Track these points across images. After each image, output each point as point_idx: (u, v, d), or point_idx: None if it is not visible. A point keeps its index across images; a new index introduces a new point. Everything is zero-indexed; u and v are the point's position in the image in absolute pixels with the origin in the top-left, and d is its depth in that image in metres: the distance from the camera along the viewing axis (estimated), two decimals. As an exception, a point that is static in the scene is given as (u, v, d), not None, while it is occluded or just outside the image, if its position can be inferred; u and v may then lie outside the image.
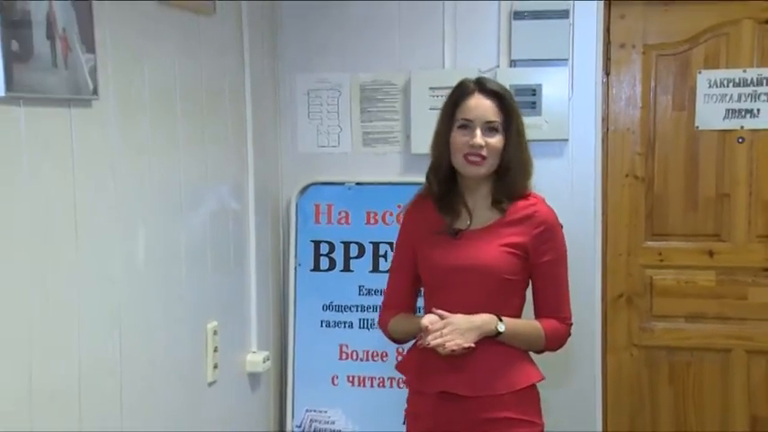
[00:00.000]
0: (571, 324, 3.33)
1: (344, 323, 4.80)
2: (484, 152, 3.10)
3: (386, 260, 4.65)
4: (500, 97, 3.16)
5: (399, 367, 3.47)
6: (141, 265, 3.42)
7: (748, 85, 4.61)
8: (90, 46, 3.02)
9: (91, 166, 3.08)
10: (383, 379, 4.75)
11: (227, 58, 4.33)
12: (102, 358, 3.14)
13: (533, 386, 3.24)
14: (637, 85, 4.73)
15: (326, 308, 4.83)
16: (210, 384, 4.01)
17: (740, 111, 4.65)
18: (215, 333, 4.06)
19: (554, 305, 3.26)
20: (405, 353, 3.60)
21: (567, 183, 4.71)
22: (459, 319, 3.03)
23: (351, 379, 4.79)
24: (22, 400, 2.68)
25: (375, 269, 4.77)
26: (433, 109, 4.58)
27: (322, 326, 4.51)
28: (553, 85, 4.66)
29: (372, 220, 4.78)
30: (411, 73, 4.79)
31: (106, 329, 3.18)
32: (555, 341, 3.27)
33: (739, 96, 4.64)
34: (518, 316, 3.24)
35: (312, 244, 4.91)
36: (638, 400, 4.83)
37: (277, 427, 4.97)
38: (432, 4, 4.80)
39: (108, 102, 3.15)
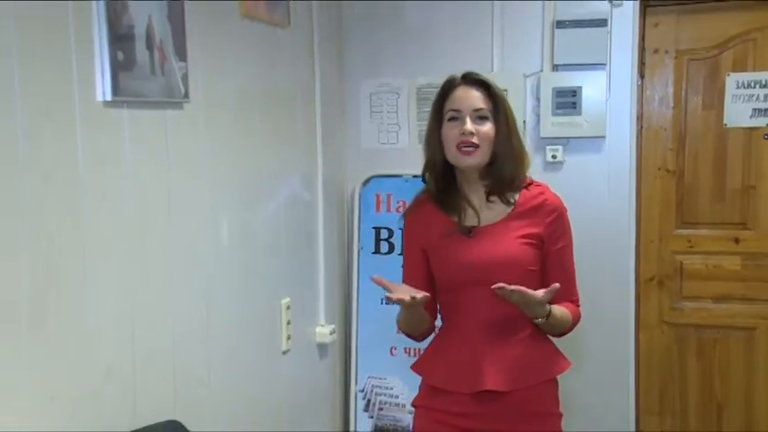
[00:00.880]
0: (579, 305, 3.20)
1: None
2: (475, 140, 2.94)
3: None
4: (486, 86, 3.03)
5: (416, 367, 3.26)
6: (225, 248, 3.61)
7: (774, 87, 4.67)
8: (182, 55, 3.20)
9: (182, 160, 3.27)
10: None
11: (299, 66, 4.46)
12: (191, 327, 3.36)
13: (554, 379, 3.13)
14: (669, 86, 4.79)
15: (386, 287, 4.95)
16: (284, 353, 4.18)
17: (766, 110, 4.70)
18: (288, 308, 4.21)
19: (567, 289, 3.07)
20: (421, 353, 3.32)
21: (605, 176, 4.79)
22: (532, 303, 2.81)
23: (407, 350, 4.89)
24: (126, 359, 2.90)
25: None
26: None
27: (381, 303, 4.46)
28: (592, 88, 4.72)
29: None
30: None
31: (195, 303, 3.39)
32: (575, 324, 3.16)
33: (765, 97, 4.69)
34: None
35: (373, 230, 5.05)
36: (668, 373, 4.91)
37: (342, 390, 5.09)
38: (482, 13, 4.88)
39: (197, 104, 3.33)
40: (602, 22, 4.66)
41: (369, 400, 4.99)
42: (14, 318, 2.40)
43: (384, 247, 5.03)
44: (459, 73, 3.08)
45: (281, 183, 4.26)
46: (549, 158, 4.84)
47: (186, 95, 3.25)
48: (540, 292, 2.79)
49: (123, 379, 2.90)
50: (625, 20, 4.68)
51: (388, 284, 2.90)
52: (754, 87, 4.69)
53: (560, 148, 4.83)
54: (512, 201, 3.05)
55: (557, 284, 2.80)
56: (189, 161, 3.35)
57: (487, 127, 2.96)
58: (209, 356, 3.49)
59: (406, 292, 2.87)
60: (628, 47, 4.71)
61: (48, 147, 2.53)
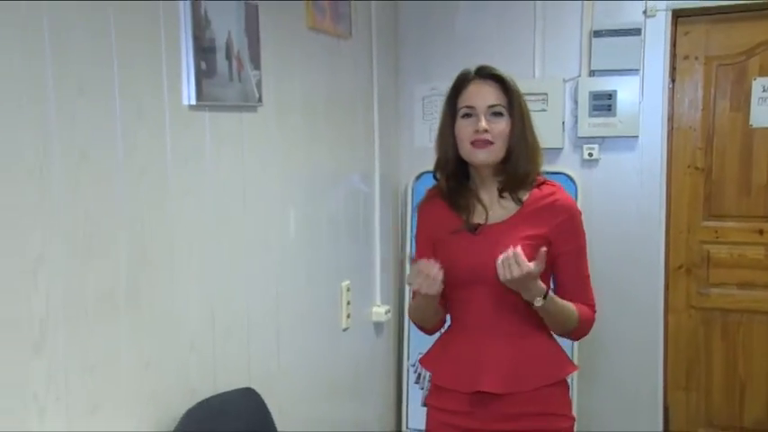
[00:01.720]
0: (596, 311, 2.91)
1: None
2: (489, 137, 2.69)
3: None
4: (501, 80, 2.76)
5: (424, 362, 3.05)
6: (292, 236, 3.70)
7: (797, 91, 4.64)
8: (257, 64, 3.29)
9: (255, 157, 3.37)
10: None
11: (359, 73, 4.52)
12: (263, 307, 3.45)
13: (564, 381, 2.88)
14: (698, 90, 4.78)
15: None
16: (344, 330, 4.26)
17: (789, 112, 4.68)
18: (348, 290, 4.29)
19: (580, 294, 2.84)
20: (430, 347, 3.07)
21: (638, 172, 4.82)
22: (533, 276, 2.54)
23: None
24: (207, 334, 3.03)
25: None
26: None
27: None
28: (626, 91, 4.74)
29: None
30: None
31: (267, 285, 3.49)
32: (585, 325, 2.85)
33: (788, 99, 4.68)
34: None
35: (424, 220, 5.12)
36: (695, 353, 4.92)
37: (396, 364, 5.17)
38: (525, 24, 4.93)
39: (269, 108, 3.42)
40: (636, 32, 4.68)
41: (419, 374, 5.01)
42: (114, 296, 2.52)
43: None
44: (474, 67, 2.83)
45: (342, 178, 4.33)
46: (586, 156, 4.88)
47: (260, 100, 3.34)
48: (532, 263, 2.53)
49: (205, 351, 3.03)
50: (658, 29, 4.70)
51: (415, 267, 2.66)
52: (779, 91, 4.69)
53: (596, 146, 4.87)
54: (522, 199, 2.79)
55: (544, 248, 2.56)
56: (261, 159, 3.45)
57: (502, 123, 2.72)
58: (279, 333, 3.59)
59: (427, 276, 2.62)
60: (660, 54, 4.72)
61: (141, 145, 2.64)
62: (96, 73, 2.44)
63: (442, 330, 3.08)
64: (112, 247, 2.52)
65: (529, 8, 4.95)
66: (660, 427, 4.98)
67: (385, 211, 4.92)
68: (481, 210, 2.81)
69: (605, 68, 4.79)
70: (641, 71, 4.75)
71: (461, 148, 2.77)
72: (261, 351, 3.43)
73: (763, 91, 4.68)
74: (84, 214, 2.38)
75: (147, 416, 2.69)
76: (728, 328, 4.87)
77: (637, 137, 4.81)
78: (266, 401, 3.20)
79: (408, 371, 5.07)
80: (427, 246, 2.92)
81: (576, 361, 4.66)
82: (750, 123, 4.73)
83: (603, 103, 4.77)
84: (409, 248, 5.08)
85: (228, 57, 3.10)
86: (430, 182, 2.99)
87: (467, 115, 2.73)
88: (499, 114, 2.71)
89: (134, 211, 2.62)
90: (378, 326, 4.83)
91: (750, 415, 4.88)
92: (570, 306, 2.77)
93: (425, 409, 3.08)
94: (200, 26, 2.89)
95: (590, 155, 4.89)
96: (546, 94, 4.86)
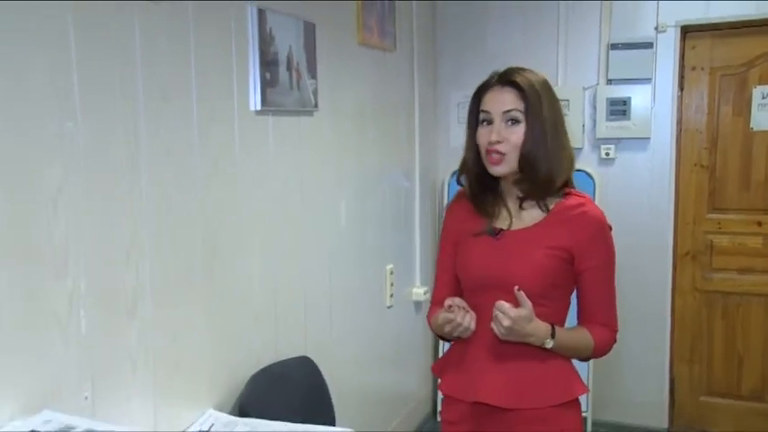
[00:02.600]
0: (617, 332, 2.45)
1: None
2: (502, 148, 2.28)
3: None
4: (520, 86, 2.30)
5: (435, 369, 2.62)
6: (343, 225, 3.74)
7: (794, 97, 4.62)
8: (313, 74, 3.33)
9: (312, 156, 3.41)
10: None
11: (402, 81, 4.55)
12: (318, 286, 3.50)
13: (575, 400, 2.41)
14: (704, 97, 4.76)
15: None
16: (388, 308, 4.31)
17: (786, 116, 4.66)
18: (391, 273, 4.33)
19: (602, 313, 2.41)
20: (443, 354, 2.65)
21: (649, 170, 4.84)
22: (519, 324, 2.16)
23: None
24: (270, 309, 3.09)
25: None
26: None
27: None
28: (640, 98, 4.76)
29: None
30: None
31: (321, 267, 3.54)
32: (602, 351, 2.43)
33: (786, 106, 4.66)
34: (562, 320, 2.41)
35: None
36: (698, 330, 4.92)
37: (432, 338, 5.13)
38: (549, 37, 4.95)
39: (324, 113, 3.46)
40: (648, 45, 4.70)
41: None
42: (192, 274, 2.60)
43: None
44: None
45: (386, 174, 4.35)
46: (603, 155, 4.90)
47: (316, 105, 3.38)
48: (519, 309, 2.17)
49: (268, 323, 3.09)
50: (668, 43, 4.71)
51: (446, 315, 2.27)
52: (777, 97, 4.68)
53: (612, 146, 4.89)
54: (549, 207, 2.37)
55: (518, 288, 2.18)
56: (317, 157, 3.49)
57: (517, 132, 2.28)
58: (331, 309, 3.63)
59: (459, 325, 2.26)
60: (670, 65, 4.73)
61: (214, 144, 2.71)
62: (177, 81, 2.52)
63: None
64: (190, 233, 2.59)
65: (552, 24, 4.96)
66: (666, 395, 5.00)
67: (424, 203, 4.93)
68: (506, 215, 2.41)
69: (621, 77, 4.80)
70: (653, 80, 4.76)
71: (482, 155, 2.36)
72: (316, 324, 3.47)
73: (763, 98, 4.66)
74: (166, 203, 2.45)
75: (219, 378, 2.76)
76: (728, 308, 4.86)
77: (649, 138, 4.82)
78: (320, 368, 3.25)
79: (443, 345, 4.95)
80: (449, 246, 2.56)
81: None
82: (750, 126, 4.71)
83: (619, 109, 4.80)
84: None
85: (289, 68, 3.15)
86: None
87: (485, 121, 2.35)
88: (515, 121, 2.29)
89: (208, 202, 2.68)
90: (417, 304, 4.84)
91: (747, 384, 4.87)
92: (584, 337, 2.37)
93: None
94: (265, 42, 2.95)
95: (607, 154, 4.91)
96: (568, 100, 4.83)
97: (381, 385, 4.35)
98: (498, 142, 2.28)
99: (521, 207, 2.39)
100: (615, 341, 2.44)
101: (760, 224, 4.76)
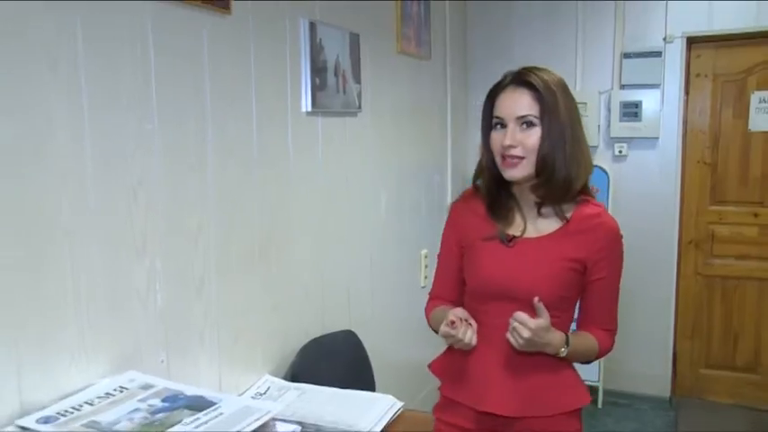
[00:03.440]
0: (616, 334, 2.25)
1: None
2: (518, 152, 1.98)
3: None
4: (535, 87, 1.99)
5: (433, 368, 2.30)
6: (383, 213, 3.76)
7: (788, 102, 4.60)
8: (357, 79, 3.35)
9: (355, 152, 3.43)
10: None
11: (436, 86, 4.55)
12: (361, 268, 3.52)
13: (578, 410, 2.14)
14: (707, 101, 4.76)
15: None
16: (422, 288, 4.27)
17: (782, 119, 4.66)
18: (425, 256, 4.32)
19: (606, 318, 2.18)
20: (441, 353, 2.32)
21: (658, 166, 4.84)
22: (538, 335, 1.90)
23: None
24: (318, 286, 3.11)
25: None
26: None
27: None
28: (650, 101, 4.76)
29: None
30: None
31: (363, 251, 3.56)
32: (604, 354, 2.22)
33: (781, 109, 4.65)
34: (568, 327, 2.12)
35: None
36: (699, 310, 4.93)
37: None
38: (568, 47, 4.96)
39: (366, 114, 3.48)
40: (657, 54, 4.70)
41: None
42: (251, 256, 2.64)
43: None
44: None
45: (422, 169, 4.35)
46: (617, 153, 4.91)
47: (359, 107, 3.40)
48: (539, 319, 1.92)
49: (316, 300, 3.11)
50: (675, 52, 4.71)
51: (448, 331, 1.99)
52: (773, 101, 4.66)
53: (625, 145, 4.89)
54: (567, 216, 2.06)
55: (540, 303, 1.92)
56: (360, 153, 3.50)
57: (534, 136, 1.97)
58: (372, 288, 3.65)
59: (461, 341, 2.00)
60: (677, 72, 4.73)
61: (270, 142, 2.75)
62: (239, 87, 2.56)
63: None
64: (249, 220, 2.63)
65: (571, 35, 4.96)
66: (670, 367, 5.01)
67: (455, 195, 4.76)
68: (520, 221, 2.10)
69: (633, 83, 4.80)
70: (662, 85, 4.76)
71: (496, 159, 2.06)
72: (358, 301, 3.49)
73: (760, 102, 4.66)
74: (229, 195, 2.50)
75: (273, 348, 2.80)
76: (727, 291, 4.86)
77: (657, 138, 4.82)
78: (363, 341, 3.27)
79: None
80: (452, 249, 2.25)
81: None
82: (749, 128, 4.71)
83: (631, 111, 4.80)
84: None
85: (336, 74, 3.17)
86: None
87: (498, 125, 2.03)
88: (531, 125, 1.98)
89: (265, 193, 2.72)
90: (448, 284, 4.80)
91: (740, 358, 4.88)
92: (591, 342, 2.14)
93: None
94: (315, 51, 2.98)
95: (620, 152, 4.92)
96: (585, 103, 4.83)
97: (416, 358, 4.29)
98: (512, 147, 1.97)
99: (539, 213, 2.08)
100: (612, 346, 2.23)
101: (756, 215, 4.76)
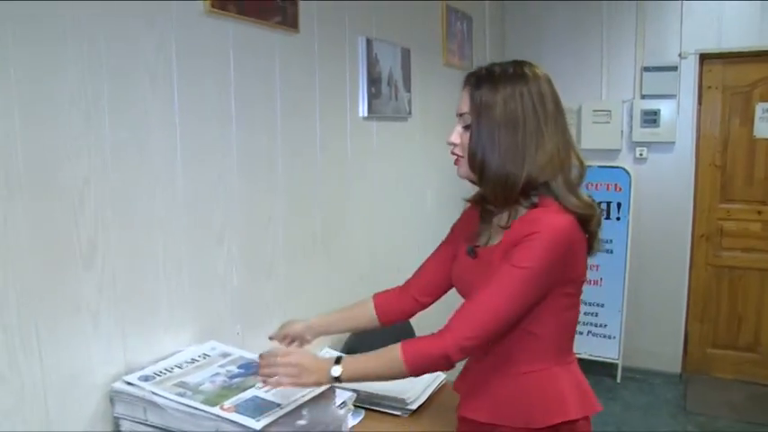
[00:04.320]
0: (461, 347, 1.57)
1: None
2: (457, 150, 1.72)
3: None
4: (472, 82, 1.69)
5: (455, 386, 1.89)
6: (429, 208, 3.77)
7: (789, 112, 4.57)
8: (408, 88, 3.36)
9: (406, 153, 3.44)
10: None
11: None
12: (409, 255, 3.28)
13: (569, 425, 1.65)
14: (717, 110, 4.71)
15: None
16: None
17: (784, 126, 4.61)
18: None
19: (460, 315, 1.61)
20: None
21: (674, 168, 4.80)
22: (303, 358, 1.64)
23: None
24: (371, 271, 3.12)
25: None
26: (595, 123, 4.85)
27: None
28: (667, 110, 4.73)
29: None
30: (582, 102, 4.92)
31: (411, 239, 3.52)
32: (420, 366, 1.61)
33: (783, 118, 4.61)
34: (551, 346, 1.66)
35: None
36: (708, 296, 4.89)
37: None
38: (594, 61, 4.93)
39: (416, 119, 3.50)
40: (673, 68, 4.67)
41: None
42: (314, 243, 2.68)
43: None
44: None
45: None
46: (638, 156, 4.88)
47: (409, 113, 3.42)
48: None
49: (369, 283, 2.96)
50: (689, 67, 4.67)
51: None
52: (776, 112, 4.63)
53: (645, 149, 4.86)
54: (509, 223, 1.68)
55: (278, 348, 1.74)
56: (410, 154, 3.51)
57: (467, 134, 1.68)
58: (400, 269, 3.63)
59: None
60: (690, 84, 4.69)
61: (331, 144, 2.77)
62: (305, 96, 2.59)
63: None
64: (313, 211, 2.67)
65: (597, 51, 4.93)
66: (681, 346, 4.98)
67: None
68: (487, 230, 1.78)
69: (652, 93, 4.76)
70: (677, 96, 4.72)
71: None
72: (386, 282, 3.45)
73: (763, 112, 4.62)
74: (296, 190, 2.53)
75: None
76: (733, 280, 4.81)
77: (674, 142, 4.78)
78: (410, 320, 3.26)
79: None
80: (449, 248, 1.98)
81: (624, 301, 4.77)
82: (754, 134, 4.66)
83: (650, 118, 4.77)
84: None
85: (389, 84, 3.19)
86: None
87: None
88: (468, 123, 1.68)
89: (326, 188, 2.74)
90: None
91: (743, 339, 4.84)
92: (386, 363, 1.64)
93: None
94: (371, 64, 3.00)
95: (640, 155, 4.88)
96: (609, 111, 4.84)
97: None
98: (453, 144, 1.73)
99: (507, 222, 1.69)
100: (449, 357, 1.57)
101: (759, 212, 4.71)
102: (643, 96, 4.82)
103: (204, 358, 1.92)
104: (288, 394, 1.69)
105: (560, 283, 1.63)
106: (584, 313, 4.87)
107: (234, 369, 1.86)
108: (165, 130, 1.89)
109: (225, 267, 2.16)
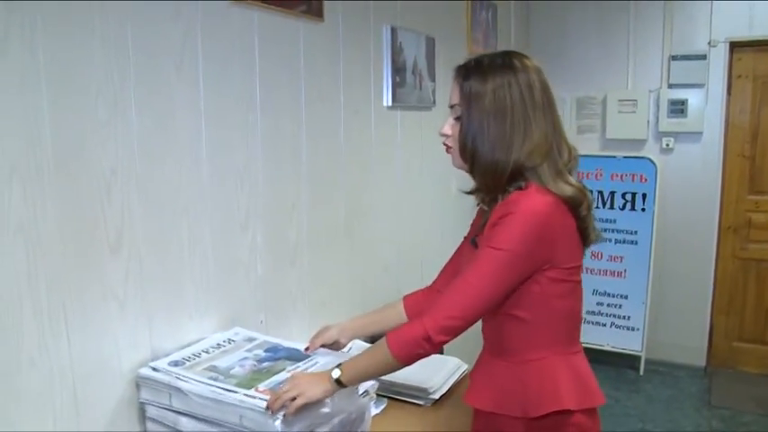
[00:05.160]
0: (443, 334, 1.58)
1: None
2: (449, 141, 1.75)
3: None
4: (462, 73, 1.72)
5: (469, 375, 1.87)
6: (452, 197, 3.69)
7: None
8: (432, 77, 3.38)
9: (429, 142, 3.36)
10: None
11: None
12: (432, 244, 3.47)
13: (564, 416, 1.63)
14: (747, 100, 4.67)
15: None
16: None
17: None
18: None
19: (441, 297, 1.64)
20: None
21: (701, 159, 4.77)
22: (302, 376, 1.66)
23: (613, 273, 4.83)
24: (395, 261, 3.15)
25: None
26: (621, 112, 4.84)
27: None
28: (695, 99, 4.70)
29: (584, 177, 4.67)
30: (607, 91, 4.93)
31: (434, 229, 3.55)
32: (406, 352, 1.61)
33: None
34: (545, 326, 1.65)
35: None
36: (735, 289, 4.86)
37: None
38: (621, 50, 4.90)
39: (439, 108, 3.43)
40: (702, 57, 4.64)
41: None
42: (337, 231, 2.69)
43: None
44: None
45: None
46: (664, 146, 4.85)
47: (434, 102, 3.42)
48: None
49: (393, 273, 3.16)
50: (718, 55, 4.63)
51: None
52: (807, 100, 4.55)
53: (672, 139, 4.83)
54: (490, 209, 1.70)
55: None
56: (433, 143, 3.33)
57: (458, 125, 1.71)
58: (443, 262, 3.56)
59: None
60: (720, 73, 4.66)
61: (356, 133, 2.79)
62: (329, 84, 2.60)
63: None
64: (336, 199, 2.68)
65: (623, 39, 4.91)
66: (706, 339, 4.95)
67: None
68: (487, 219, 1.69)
69: (679, 83, 4.73)
70: (706, 85, 4.69)
71: None
72: (431, 274, 3.31)
73: (797, 102, 4.55)
74: (319, 177, 2.54)
75: (355, 313, 2.71)
76: (760, 272, 4.78)
77: (701, 133, 4.75)
78: None
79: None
80: (463, 245, 2.03)
81: (649, 293, 4.75)
82: (784, 124, 4.60)
83: (678, 108, 4.74)
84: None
85: (414, 73, 3.20)
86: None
87: None
88: (459, 114, 1.71)
89: (350, 176, 2.76)
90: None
91: (770, 333, 4.85)
92: (379, 359, 1.64)
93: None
94: (396, 53, 3.01)
95: (667, 145, 4.85)
96: (636, 100, 4.83)
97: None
98: (445, 136, 1.76)
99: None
100: (430, 338, 1.58)
101: (790, 204, 4.65)
102: (670, 85, 4.79)
103: (230, 343, 1.95)
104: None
105: (543, 266, 1.62)
106: (608, 305, 4.87)
107: (261, 353, 1.89)
108: (190, 117, 1.91)
109: (249, 255, 2.19)
